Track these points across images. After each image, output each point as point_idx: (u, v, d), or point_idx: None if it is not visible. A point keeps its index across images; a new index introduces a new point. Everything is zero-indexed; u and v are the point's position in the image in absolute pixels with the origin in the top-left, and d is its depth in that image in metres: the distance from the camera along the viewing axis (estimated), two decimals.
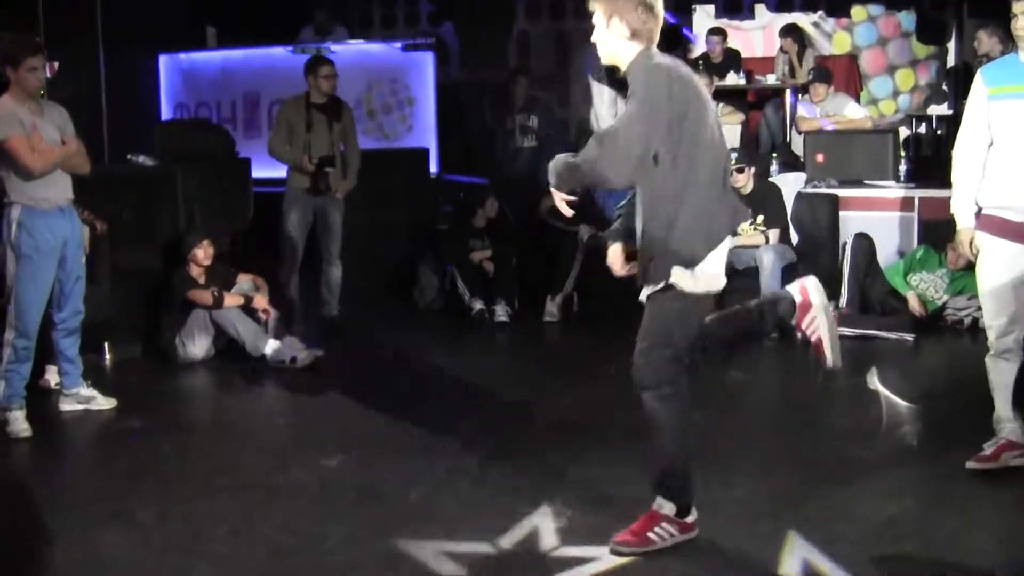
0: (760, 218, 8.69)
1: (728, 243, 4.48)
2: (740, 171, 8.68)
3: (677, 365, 4.43)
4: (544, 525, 4.80)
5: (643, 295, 4.49)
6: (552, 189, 4.45)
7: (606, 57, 4.46)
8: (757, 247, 8.63)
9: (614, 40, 4.41)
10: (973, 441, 5.54)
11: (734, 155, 8.75)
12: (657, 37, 4.40)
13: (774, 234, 8.71)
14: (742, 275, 8.54)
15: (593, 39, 4.44)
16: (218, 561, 4.55)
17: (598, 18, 4.43)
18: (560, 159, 4.41)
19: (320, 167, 8.59)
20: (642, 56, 4.36)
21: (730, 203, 4.50)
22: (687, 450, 4.50)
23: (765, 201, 8.77)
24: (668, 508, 4.50)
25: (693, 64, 11.68)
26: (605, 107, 12.38)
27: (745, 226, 8.64)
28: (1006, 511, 4.95)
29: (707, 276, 4.40)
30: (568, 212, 4.54)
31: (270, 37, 12.54)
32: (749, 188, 8.71)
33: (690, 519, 4.53)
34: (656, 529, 4.47)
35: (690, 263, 4.35)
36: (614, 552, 4.46)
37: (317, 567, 4.48)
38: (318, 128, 8.70)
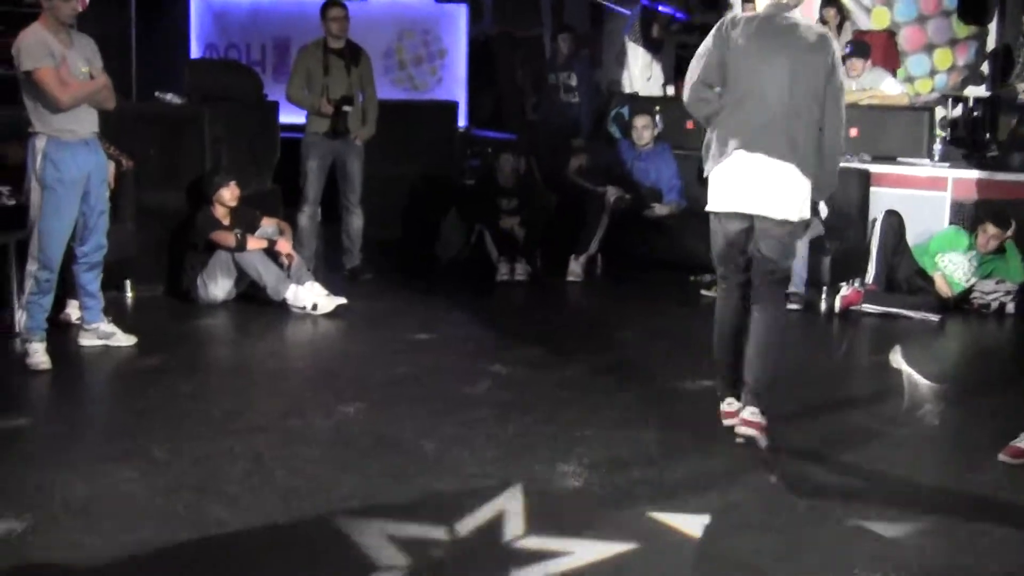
0: None
1: (744, 167, 5.09)
2: None
3: (719, 277, 5.40)
4: (561, 484, 4.77)
5: None
6: None
7: None
8: None
9: None
10: (994, 423, 5.51)
11: None
12: None
13: None
14: None
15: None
16: (230, 502, 4.53)
17: None
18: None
19: (338, 106, 8.55)
20: None
21: (750, 130, 5.08)
22: (718, 344, 5.39)
23: None
24: None
25: None
26: (639, 68, 12.31)
27: None
28: None
29: (712, 195, 5.22)
30: None
31: None
32: None
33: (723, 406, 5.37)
34: None
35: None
36: None
37: (328, 512, 4.45)
38: (336, 72, 8.68)
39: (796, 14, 5.19)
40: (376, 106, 8.97)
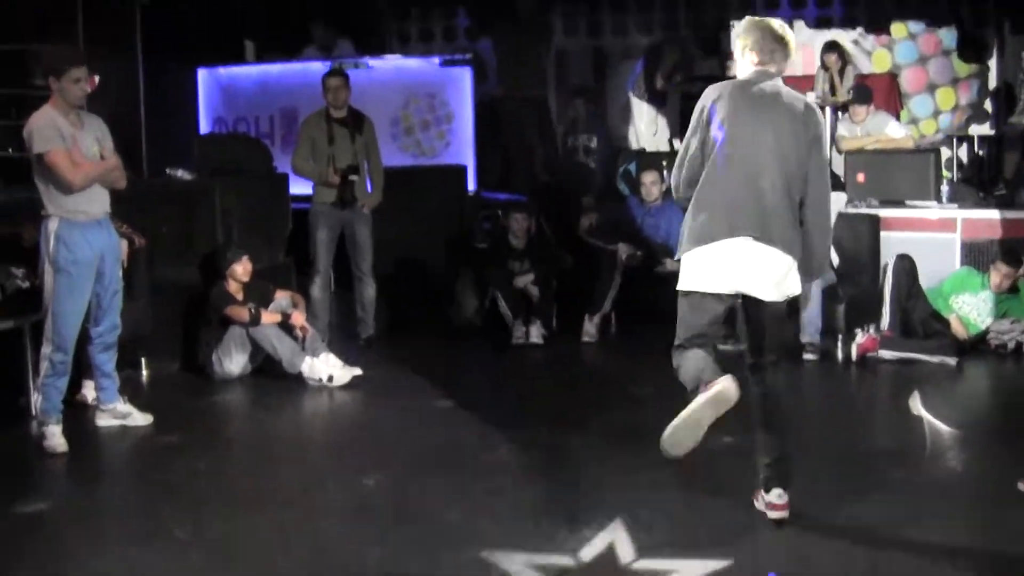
0: None
1: (727, 251, 4.76)
2: None
3: (676, 350, 4.89)
4: (583, 551, 4.74)
5: None
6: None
7: None
8: None
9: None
10: (1017, 467, 5.46)
11: None
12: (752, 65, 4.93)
13: None
14: None
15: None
16: None
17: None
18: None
19: (344, 176, 8.58)
20: None
21: (733, 208, 4.77)
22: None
23: None
24: None
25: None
26: (644, 124, 12.38)
27: None
28: None
29: (693, 273, 4.83)
30: None
31: (309, 51, 12.56)
32: None
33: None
34: None
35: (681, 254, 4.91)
36: None
37: None
38: (340, 141, 8.71)
39: (779, 82, 4.91)
40: (382, 173, 9.01)
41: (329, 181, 8.60)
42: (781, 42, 4.87)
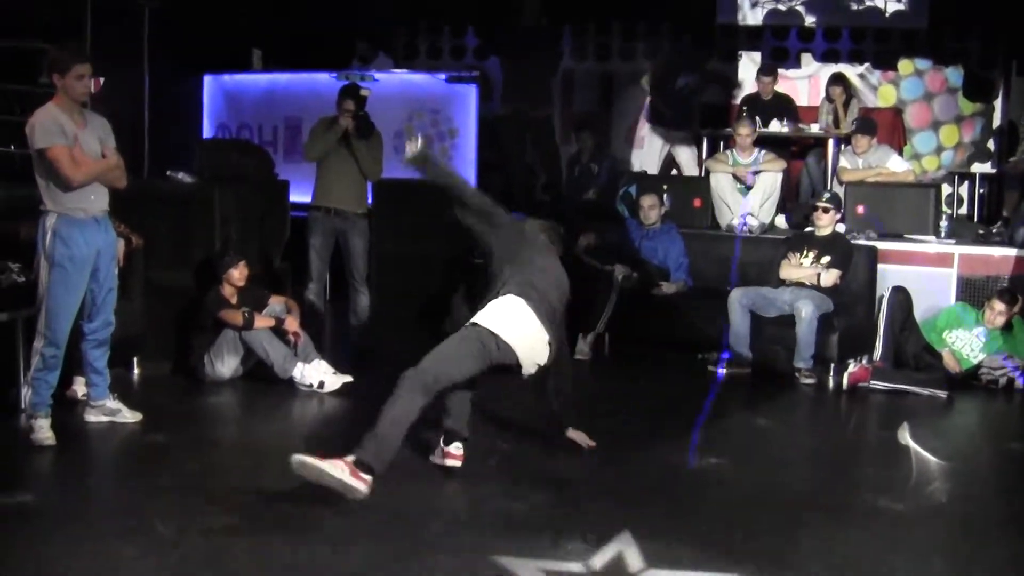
0: (826, 258, 8.69)
1: None
2: (825, 211, 8.84)
3: None
4: (566, 561, 4.75)
5: None
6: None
7: None
8: (806, 286, 8.62)
9: None
10: (1002, 501, 5.47)
11: (826, 195, 9.15)
12: None
13: (833, 275, 8.66)
14: (778, 323, 8.47)
15: None
16: None
17: None
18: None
19: (357, 96, 8.66)
20: None
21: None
22: None
23: (836, 245, 8.87)
24: None
25: (739, 108, 11.68)
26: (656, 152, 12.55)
27: (803, 259, 8.68)
28: None
29: None
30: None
31: (316, 62, 12.59)
32: (828, 231, 8.91)
33: None
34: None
35: None
36: None
37: None
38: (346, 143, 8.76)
39: None
40: (380, 169, 9.05)
41: (342, 121, 8.61)
42: None
